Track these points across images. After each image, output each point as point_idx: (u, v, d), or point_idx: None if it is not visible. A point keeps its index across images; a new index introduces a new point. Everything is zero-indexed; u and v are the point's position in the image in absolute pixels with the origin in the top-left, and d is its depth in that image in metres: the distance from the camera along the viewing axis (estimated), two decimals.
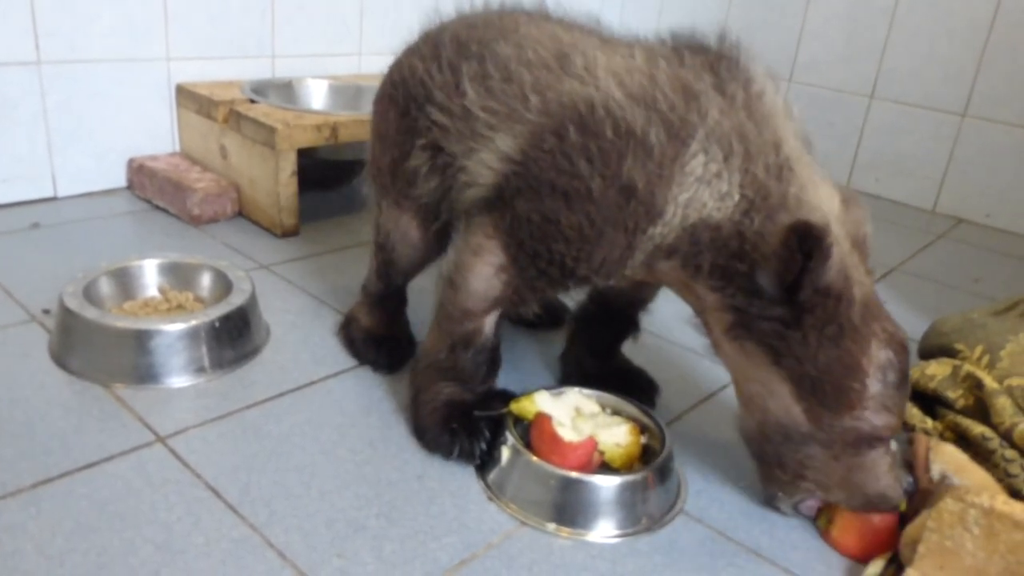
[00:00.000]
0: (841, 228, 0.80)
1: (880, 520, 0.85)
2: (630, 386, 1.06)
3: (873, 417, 0.78)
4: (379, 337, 1.15)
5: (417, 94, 0.99)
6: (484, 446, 0.93)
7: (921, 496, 0.84)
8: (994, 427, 0.87)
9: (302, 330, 1.21)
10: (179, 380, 1.04)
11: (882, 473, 0.82)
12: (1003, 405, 0.86)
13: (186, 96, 1.69)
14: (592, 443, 0.89)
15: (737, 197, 0.78)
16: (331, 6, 1.94)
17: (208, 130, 1.64)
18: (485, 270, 0.89)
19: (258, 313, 1.16)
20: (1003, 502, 0.75)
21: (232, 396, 1.03)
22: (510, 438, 0.90)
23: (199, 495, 0.85)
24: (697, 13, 2.61)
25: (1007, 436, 0.85)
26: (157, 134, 1.73)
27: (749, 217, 0.78)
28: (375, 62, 2.08)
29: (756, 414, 0.84)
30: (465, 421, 0.95)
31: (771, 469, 0.87)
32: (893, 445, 0.83)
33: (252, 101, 1.63)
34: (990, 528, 0.75)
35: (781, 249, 0.74)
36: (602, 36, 0.94)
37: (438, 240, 1.07)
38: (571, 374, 1.12)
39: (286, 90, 1.82)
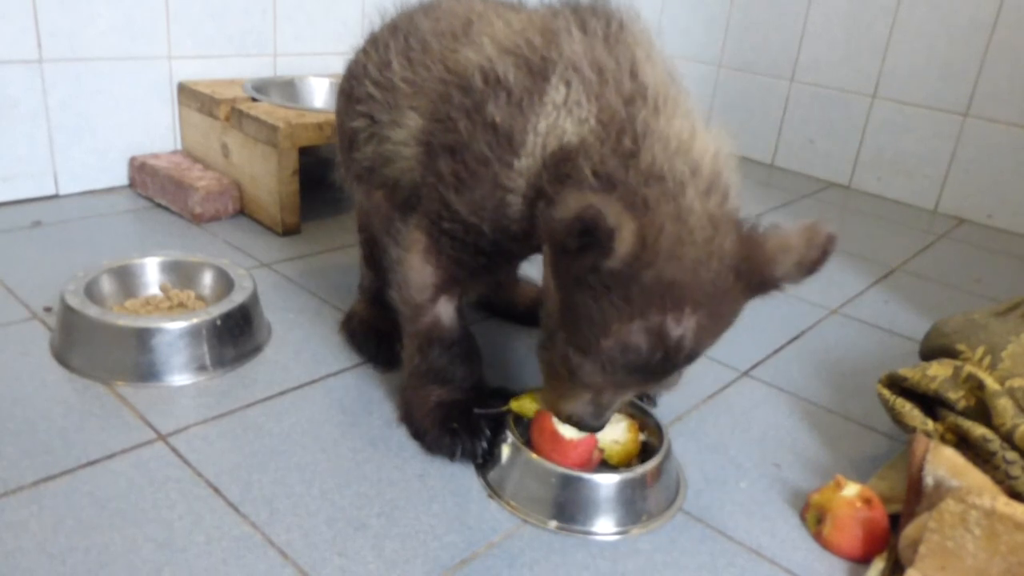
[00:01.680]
0: (698, 179, 0.73)
1: (872, 520, 0.86)
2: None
3: (586, 366, 0.76)
4: (380, 331, 1.16)
5: (358, 75, 1.05)
6: (486, 444, 0.93)
7: (914, 498, 0.84)
8: (995, 428, 0.86)
9: (303, 328, 1.21)
10: (180, 378, 1.04)
11: (566, 397, 0.82)
12: (1004, 406, 0.86)
13: (188, 94, 1.69)
14: (592, 441, 0.89)
15: (594, 122, 0.79)
16: (332, 4, 1.94)
17: (210, 128, 1.64)
18: (415, 259, 0.93)
19: (259, 311, 1.16)
20: (1004, 503, 0.75)
21: (233, 394, 1.03)
22: (510, 436, 0.90)
23: (200, 493, 0.85)
24: (698, 12, 2.61)
25: (1008, 438, 0.85)
26: (159, 132, 1.73)
27: (596, 137, 0.78)
28: None
29: (544, 294, 0.83)
30: (464, 420, 0.95)
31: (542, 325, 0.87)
32: (608, 399, 0.82)
33: (254, 99, 1.63)
34: (991, 529, 0.75)
35: (561, 225, 0.68)
36: (514, 6, 0.99)
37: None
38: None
39: (288, 88, 1.81)
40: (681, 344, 0.72)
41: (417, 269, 0.93)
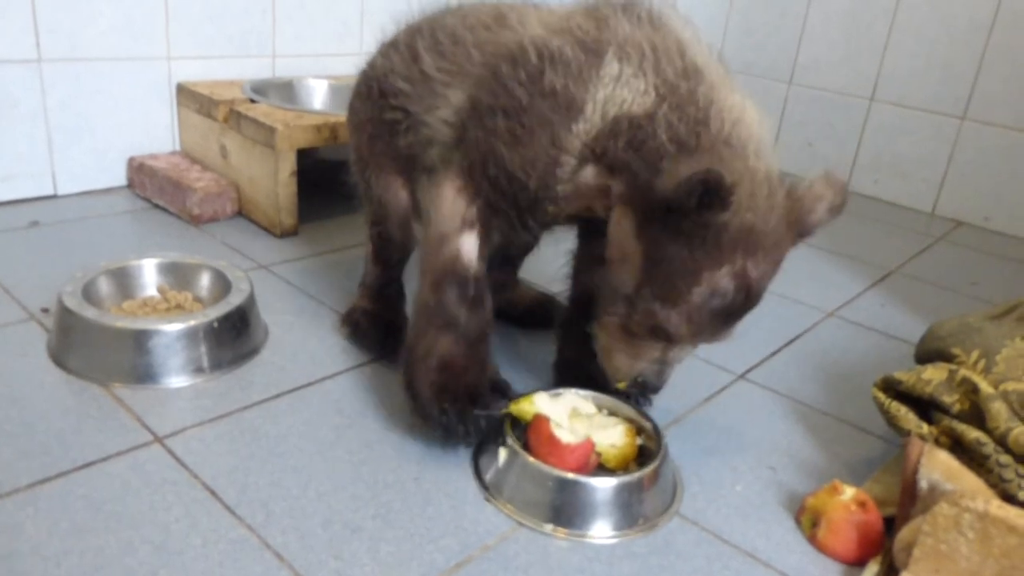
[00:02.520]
0: (757, 142, 0.84)
1: (866, 523, 0.86)
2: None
3: (674, 317, 0.83)
4: (384, 321, 1.18)
5: (381, 78, 1.09)
6: (473, 439, 0.96)
7: (908, 501, 0.84)
8: (989, 432, 0.87)
9: (300, 331, 1.21)
10: (177, 380, 1.04)
11: (636, 355, 0.90)
12: (998, 410, 0.87)
13: (187, 95, 1.69)
14: (590, 444, 0.89)
15: (653, 95, 0.85)
16: (332, 6, 1.95)
17: (208, 129, 1.65)
18: (447, 193, 0.95)
19: (257, 313, 1.16)
20: (997, 506, 0.75)
21: (230, 396, 1.03)
22: (508, 439, 0.90)
23: (197, 496, 0.85)
24: (697, 13, 2.61)
25: (1002, 441, 0.85)
26: (157, 133, 1.73)
27: (663, 106, 0.84)
28: None
29: (607, 270, 0.90)
30: (459, 404, 0.93)
31: (599, 304, 0.93)
32: (677, 354, 0.90)
33: (252, 101, 1.63)
34: (984, 532, 0.75)
35: (681, 186, 0.77)
36: (540, 5, 1.04)
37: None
38: (565, 380, 1.12)
39: (286, 90, 1.82)
40: (757, 286, 0.83)
41: (449, 200, 0.95)
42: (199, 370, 1.05)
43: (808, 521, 0.90)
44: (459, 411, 0.93)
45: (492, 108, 0.91)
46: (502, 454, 0.90)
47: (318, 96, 1.88)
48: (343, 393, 1.07)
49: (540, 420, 0.90)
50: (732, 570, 0.84)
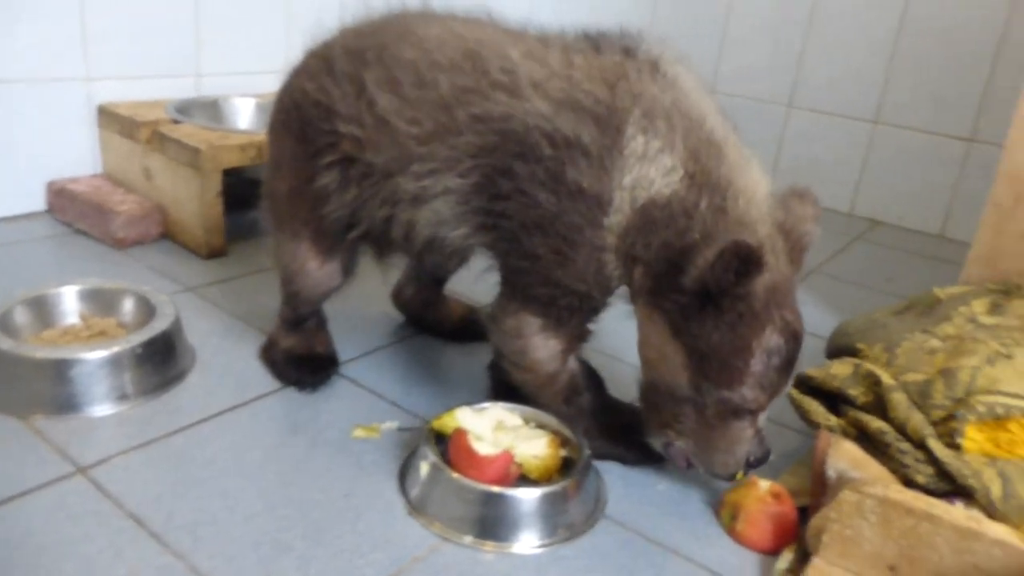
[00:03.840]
0: (761, 211, 0.85)
1: (781, 514, 0.90)
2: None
3: (748, 393, 0.83)
4: (299, 356, 1.15)
5: (313, 115, 0.98)
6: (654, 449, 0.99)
7: (819, 490, 0.88)
8: (891, 421, 0.92)
9: (228, 353, 1.21)
10: (101, 409, 1.03)
11: (733, 442, 0.88)
12: (898, 400, 0.92)
13: (108, 117, 1.67)
14: (508, 456, 0.91)
15: (682, 171, 0.83)
16: (256, 23, 1.94)
17: (131, 151, 1.63)
18: (535, 340, 0.94)
19: (183, 337, 1.16)
20: (896, 491, 0.79)
21: (156, 422, 1.02)
22: (430, 455, 0.92)
23: (121, 525, 0.84)
24: (619, 24, 2.67)
25: (902, 430, 0.90)
26: (78, 156, 1.70)
27: (693, 194, 0.83)
28: None
29: (650, 372, 0.91)
30: (621, 428, 1.02)
31: (650, 413, 0.93)
32: (762, 419, 0.89)
33: (176, 121, 1.61)
34: (885, 516, 0.79)
35: (716, 264, 0.77)
36: (504, 29, 0.96)
37: (342, 267, 1.09)
38: (500, 382, 1.13)
39: (212, 109, 1.80)
40: (799, 328, 0.85)
41: (542, 347, 0.95)
42: (123, 397, 1.04)
43: (727, 515, 0.94)
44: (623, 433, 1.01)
45: (525, 226, 0.86)
46: (424, 469, 0.91)
47: (244, 115, 1.87)
48: (272, 414, 1.07)
49: (459, 434, 0.91)
50: (656, 567, 0.87)
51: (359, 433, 1.04)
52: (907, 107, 2.21)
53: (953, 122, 2.14)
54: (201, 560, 0.81)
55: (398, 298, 1.35)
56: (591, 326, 0.99)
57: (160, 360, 1.09)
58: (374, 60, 0.94)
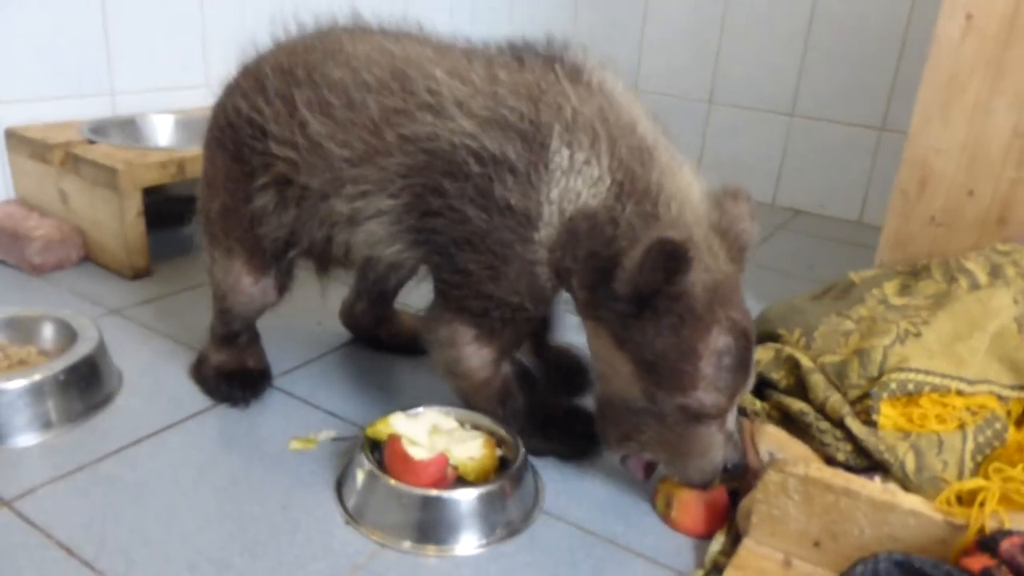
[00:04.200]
0: (697, 213, 0.85)
1: (713, 499, 0.93)
2: (569, 373, 1.18)
3: (703, 397, 0.82)
4: (230, 372, 1.14)
5: (246, 135, 0.98)
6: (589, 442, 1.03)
7: (751, 473, 0.91)
8: (811, 402, 0.96)
9: (157, 373, 1.19)
10: (24, 439, 1.00)
11: (704, 449, 0.86)
12: (816, 382, 0.96)
13: (17, 140, 1.61)
14: (443, 459, 0.91)
15: (609, 181, 0.83)
16: (171, 38, 1.90)
17: (44, 175, 1.58)
18: (467, 350, 0.95)
19: (108, 360, 1.13)
20: (816, 469, 0.83)
21: (84, 449, 1.00)
22: (366, 462, 0.92)
23: (51, 555, 0.83)
24: (541, 27, 2.70)
25: (821, 409, 0.94)
26: None
27: (621, 202, 0.83)
28: None
29: (603, 386, 0.91)
30: (558, 424, 1.04)
31: (607, 426, 0.93)
32: (731, 422, 0.88)
33: (91, 142, 1.58)
34: (807, 494, 0.83)
35: (643, 264, 0.77)
36: (432, 44, 0.96)
37: (277, 284, 1.09)
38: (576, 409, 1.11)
39: (129, 128, 1.76)
40: (749, 326, 0.84)
41: (475, 355, 0.96)
42: (47, 425, 1.02)
43: (662, 502, 0.96)
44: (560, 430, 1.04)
45: (456, 241, 0.87)
46: (360, 477, 0.92)
47: (164, 132, 1.83)
48: (205, 432, 1.06)
49: (393, 440, 0.92)
50: (595, 557, 0.89)
51: (295, 445, 1.03)
52: (821, 99, 2.29)
53: (865, 112, 2.23)
54: None
55: (348, 316, 1.32)
56: (524, 333, 1.00)
57: (84, 385, 1.06)
58: (304, 79, 0.93)
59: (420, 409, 1.01)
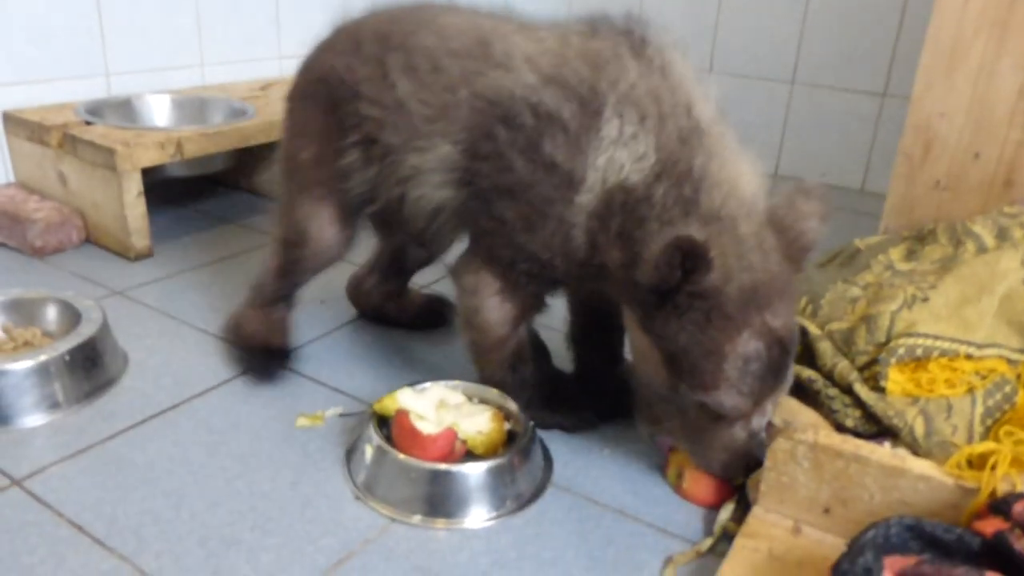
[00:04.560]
0: (746, 205, 0.81)
1: None
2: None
3: (724, 399, 0.80)
4: (265, 346, 1.15)
5: (341, 91, 1.01)
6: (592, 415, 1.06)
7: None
8: (819, 369, 0.95)
9: (162, 353, 1.18)
10: (32, 419, 1.00)
11: (728, 447, 0.86)
12: (824, 349, 0.95)
13: (14, 123, 1.60)
14: (451, 433, 0.91)
15: (653, 159, 0.82)
16: (165, 17, 1.88)
17: (43, 157, 1.57)
18: (490, 301, 0.95)
19: (112, 341, 1.13)
20: (825, 436, 0.83)
21: (91, 429, 1.00)
22: (374, 437, 0.92)
23: (62, 534, 0.83)
24: (537, 11, 2.67)
25: (829, 376, 0.94)
26: None
27: (660, 182, 0.81)
28: (220, 72, 2.03)
29: (637, 364, 0.90)
30: (567, 401, 1.05)
31: (641, 404, 0.93)
32: (757, 423, 0.85)
33: (88, 123, 1.56)
34: (816, 460, 0.83)
35: (660, 260, 0.75)
36: (520, 22, 0.98)
37: (349, 238, 1.11)
38: (587, 392, 1.11)
39: (125, 108, 1.75)
40: (787, 333, 0.81)
41: (496, 308, 0.96)
42: (55, 406, 1.02)
43: (673, 474, 0.97)
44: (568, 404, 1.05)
45: (498, 189, 0.88)
46: (368, 452, 0.92)
47: (160, 112, 1.82)
48: (212, 411, 1.06)
49: (401, 415, 0.92)
50: (604, 528, 0.89)
51: (303, 422, 1.03)
52: (822, 66, 2.27)
53: (867, 79, 2.21)
54: (147, 561, 0.80)
55: (356, 290, 1.32)
56: (547, 298, 1.00)
57: (90, 366, 1.06)
58: (398, 45, 0.97)
59: (427, 384, 1.01)
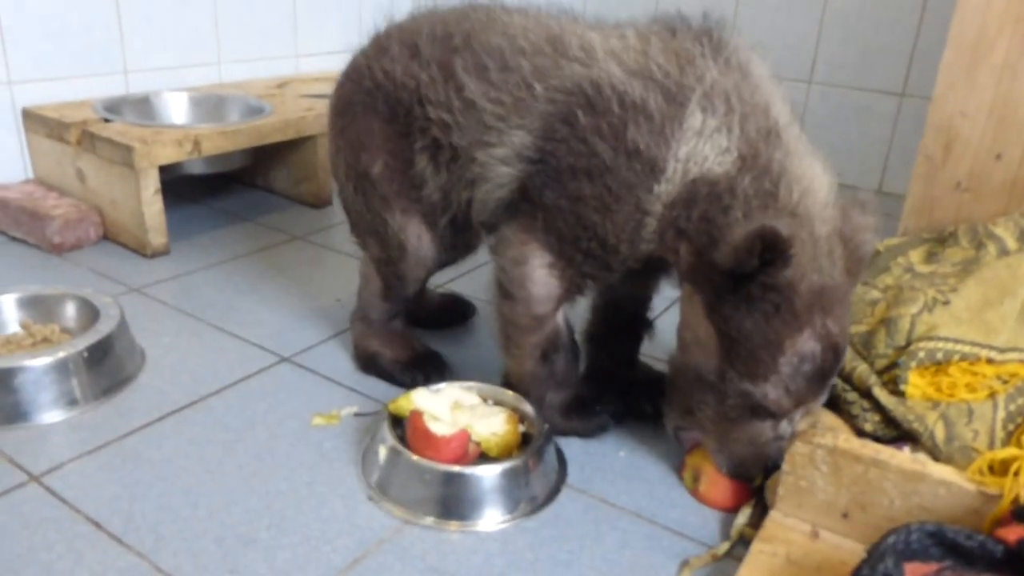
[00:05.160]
0: (822, 209, 0.82)
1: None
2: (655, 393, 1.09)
3: (770, 391, 0.81)
4: (413, 360, 1.15)
5: (403, 97, 1.00)
6: (610, 419, 1.04)
7: None
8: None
9: (179, 351, 1.19)
10: (51, 416, 1.01)
11: (753, 444, 0.86)
12: None
13: (34, 120, 1.61)
14: (464, 435, 0.91)
15: (736, 153, 0.83)
16: (182, 15, 1.89)
17: (62, 154, 1.58)
18: (538, 273, 0.94)
19: (130, 338, 1.14)
20: (844, 440, 0.82)
21: (108, 426, 1.00)
22: (388, 438, 0.92)
23: (80, 530, 0.83)
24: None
25: (848, 379, 0.93)
26: (6, 162, 1.65)
27: (742, 175, 0.82)
28: (236, 70, 2.04)
29: (683, 353, 0.90)
30: (585, 412, 1.04)
31: (675, 395, 0.93)
32: (785, 428, 0.86)
33: (106, 120, 1.57)
34: (835, 465, 0.82)
35: (740, 246, 0.76)
36: (585, 22, 0.98)
37: (443, 242, 1.09)
38: (599, 387, 1.10)
39: (143, 106, 1.76)
40: (841, 341, 0.82)
41: (542, 283, 0.94)
42: (73, 403, 1.02)
43: (690, 477, 0.96)
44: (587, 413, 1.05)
45: (574, 169, 0.88)
46: (382, 452, 0.92)
47: (178, 110, 1.82)
48: (228, 408, 1.06)
49: (415, 416, 0.92)
50: (619, 530, 0.89)
51: (318, 421, 1.03)
52: (839, 65, 2.25)
53: (885, 78, 2.19)
54: (165, 559, 0.80)
55: None
56: (590, 285, 0.98)
57: (108, 363, 1.07)
58: (462, 46, 0.97)
59: (442, 385, 1.00)
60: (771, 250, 0.75)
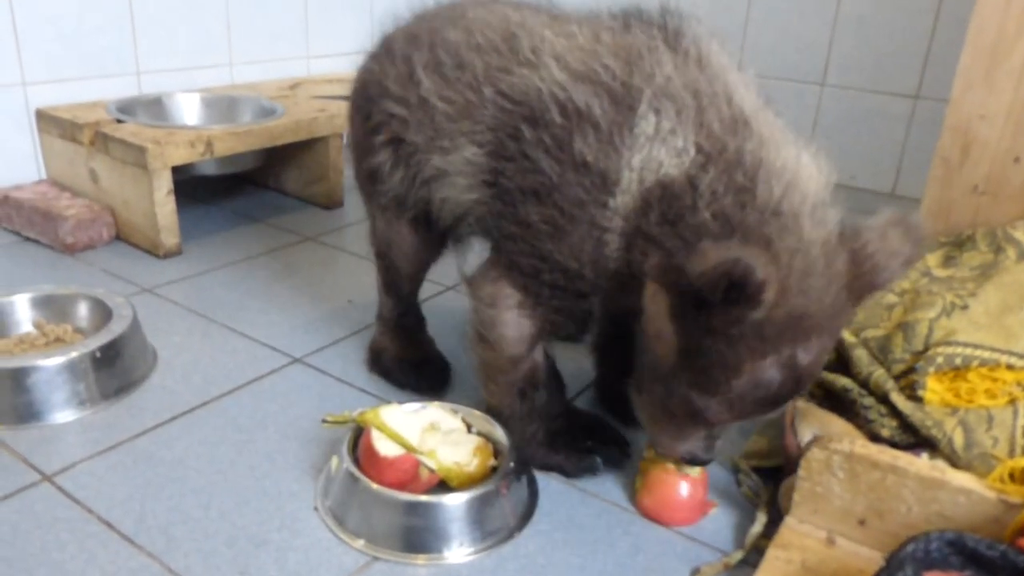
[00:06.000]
0: (811, 209, 0.74)
1: (679, 483, 0.89)
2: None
3: (713, 406, 0.76)
4: (415, 361, 1.14)
5: (374, 93, 1.00)
6: (598, 460, 0.98)
7: (792, 457, 0.89)
8: (854, 378, 0.93)
9: (191, 352, 1.19)
10: (63, 415, 1.01)
11: (679, 435, 0.83)
12: (859, 356, 0.93)
13: (47, 121, 1.62)
14: (410, 459, 0.86)
15: (693, 152, 0.76)
16: (194, 17, 1.89)
17: (75, 154, 1.58)
18: (507, 315, 0.89)
19: (142, 338, 1.14)
20: (861, 446, 0.81)
21: (120, 426, 1.00)
22: (343, 450, 0.89)
23: (92, 530, 0.83)
24: None
25: (864, 385, 0.92)
26: (20, 162, 1.65)
27: (705, 171, 0.75)
28: (249, 71, 2.04)
29: (647, 342, 0.81)
30: (572, 445, 0.99)
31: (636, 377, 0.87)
32: (720, 430, 0.83)
33: (119, 121, 1.57)
34: (852, 471, 0.81)
35: (707, 277, 0.67)
36: (551, 13, 0.94)
37: (429, 238, 1.07)
38: (605, 400, 1.10)
39: (155, 107, 1.76)
40: (808, 371, 0.74)
41: (513, 324, 0.89)
42: (85, 403, 1.02)
43: (638, 481, 0.93)
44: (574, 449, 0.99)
45: (522, 191, 0.82)
46: (334, 463, 0.89)
47: (190, 110, 1.83)
48: (240, 409, 1.06)
49: (366, 432, 0.88)
50: (632, 535, 0.88)
51: (330, 422, 1.02)
52: (853, 68, 2.24)
53: (899, 80, 2.17)
54: (176, 559, 0.80)
55: None
56: (572, 319, 0.92)
57: (120, 363, 1.07)
58: (425, 42, 0.95)
59: (424, 404, 0.95)
60: (738, 290, 0.66)
